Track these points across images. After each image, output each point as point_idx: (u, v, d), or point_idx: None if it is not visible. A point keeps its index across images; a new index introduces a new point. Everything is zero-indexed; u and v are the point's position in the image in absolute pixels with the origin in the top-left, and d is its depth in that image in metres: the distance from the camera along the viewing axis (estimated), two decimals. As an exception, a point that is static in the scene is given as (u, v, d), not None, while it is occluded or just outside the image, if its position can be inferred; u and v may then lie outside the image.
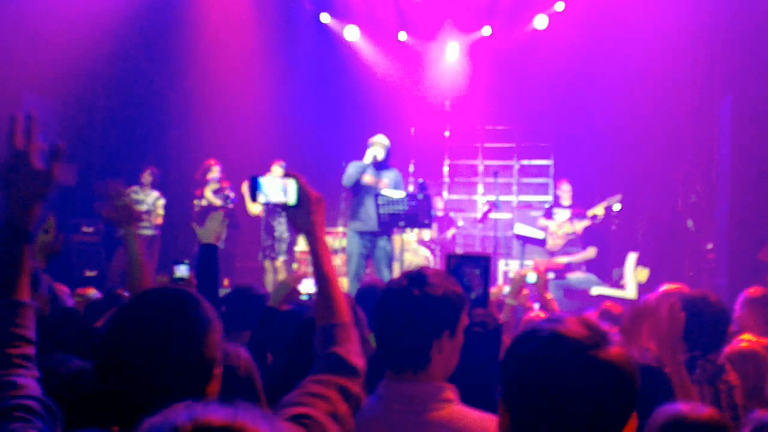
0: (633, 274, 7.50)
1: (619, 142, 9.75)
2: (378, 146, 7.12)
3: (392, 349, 1.87)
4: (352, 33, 11.18)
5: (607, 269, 8.78)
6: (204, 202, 8.94)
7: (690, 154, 9.16)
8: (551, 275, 7.90)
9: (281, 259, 8.88)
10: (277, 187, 1.75)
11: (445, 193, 11.24)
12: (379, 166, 7.16)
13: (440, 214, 9.72)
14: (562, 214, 8.57)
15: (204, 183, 8.93)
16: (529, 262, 8.42)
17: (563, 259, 8.29)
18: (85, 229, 8.85)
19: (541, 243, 8.58)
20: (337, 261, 9.13)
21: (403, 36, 11.18)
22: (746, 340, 3.54)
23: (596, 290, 7.64)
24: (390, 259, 7.25)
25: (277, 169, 8.62)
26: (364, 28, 11.22)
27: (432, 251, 9.26)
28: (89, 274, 8.56)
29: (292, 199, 1.73)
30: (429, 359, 1.84)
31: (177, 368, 1.34)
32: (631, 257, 7.71)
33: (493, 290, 4.06)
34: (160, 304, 1.40)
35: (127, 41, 9.25)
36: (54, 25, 8.11)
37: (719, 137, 7.96)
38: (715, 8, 8.03)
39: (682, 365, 2.30)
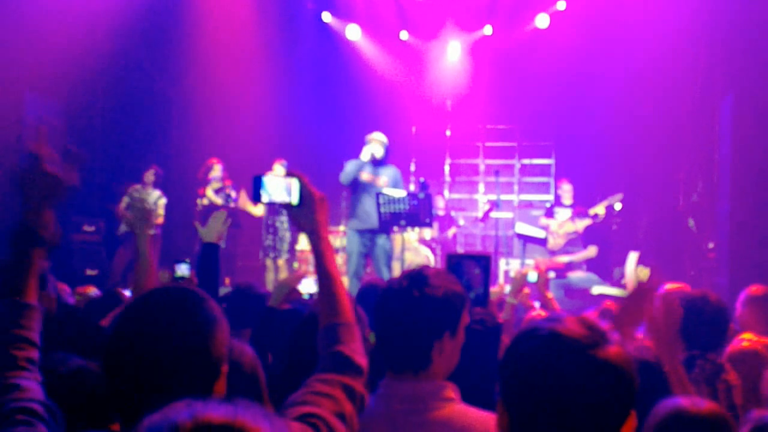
0: (634, 273, 7.50)
1: (620, 141, 9.74)
2: (376, 143, 7.13)
3: (393, 350, 1.86)
4: (353, 32, 11.18)
5: (608, 268, 8.78)
6: (206, 201, 8.95)
7: (691, 154, 9.16)
8: (552, 274, 7.90)
9: (283, 257, 8.89)
10: (280, 186, 1.75)
11: (446, 192, 11.24)
12: (378, 163, 7.17)
13: (441, 213, 9.73)
14: (563, 213, 8.57)
15: (206, 182, 8.94)
16: (530, 261, 8.42)
17: (564, 258, 8.29)
18: (86, 227, 8.86)
19: (542, 242, 8.59)
20: (338, 260, 9.14)
21: (404, 35, 11.18)
22: (747, 339, 3.54)
23: (597, 289, 7.64)
24: (389, 258, 7.26)
25: (278, 168, 8.63)
26: (366, 27, 11.22)
27: (433, 250, 9.26)
28: (90, 272, 8.58)
29: (295, 198, 1.73)
30: (430, 360, 1.84)
31: (185, 367, 1.34)
32: (632, 256, 7.72)
33: (494, 289, 4.06)
34: (166, 304, 1.40)
35: (128, 41, 9.26)
36: (55, 25, 8.11)
37: (720, 136, 7.96)
38: (715, 7, 8.02)
39: (679, 362, 2.30)
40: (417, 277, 1.89)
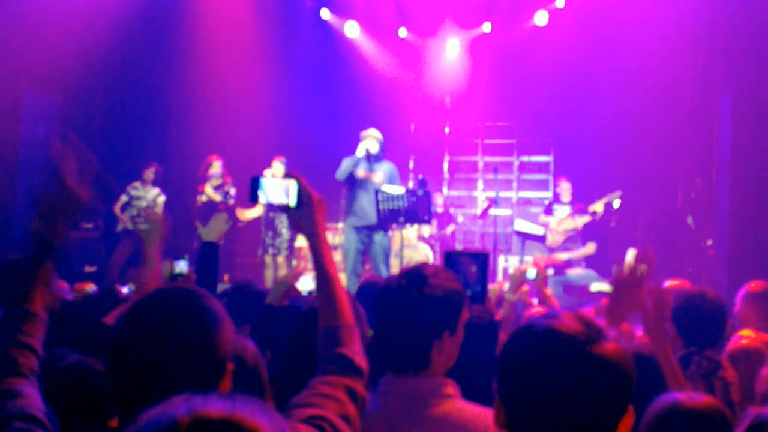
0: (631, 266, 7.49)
1: (619, 138, 9.74)
2: (370, 139, 7.13)
3: (392, 350, 1.86)
4: (352, 29, 11.17)
5: (606, 265, 8.78)
6: (204, 198, 8.95)
7: (690, 151, 9.16)
8: (551, 271, 7.91)
9: (282, 255, 8.89)
10: (279, 187, 1.74)
11: (444, 190, 11.24)
12: (373, 159, 7.17)
13: (440, 210, 9.73)
14: (562, 211, 8.58)
15: (205, 179, 8.94)
16: (528, 258, 8.43)
17: (563, 255, 8.30)
18: (84, 224, 8.85)
19: (541, 239, 8.59)
20: (337, 257, 9.15)
21: (403, 32, 11.16)
22: (746, 336, 3.54)
23: (596, 286, 7.64)
24: (387, 255, 7.26)
25: (277, 165, 8.62)
26: (364, 25, 11.21)
27: (432, 247, 9.27)
28: (88, 269, 8.58)
29: (293, 200, 1.72)
30: (430, 360, 1.84)
31: (190, 365, 1.34)
32: (631, 253, 7.71)
33: (494, 287, 4.07)
34: (171, 303, 1.41)
35: (127, 37, 9.24)
36: (54, 21, 8.10)
37: (719, 134, 7.97)
38: (715, 5, 8.02)
39: (672, 355, 2.29)
40: (416, 276, 1.88)
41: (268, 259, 8.89)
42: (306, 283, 5.24)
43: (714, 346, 3.06)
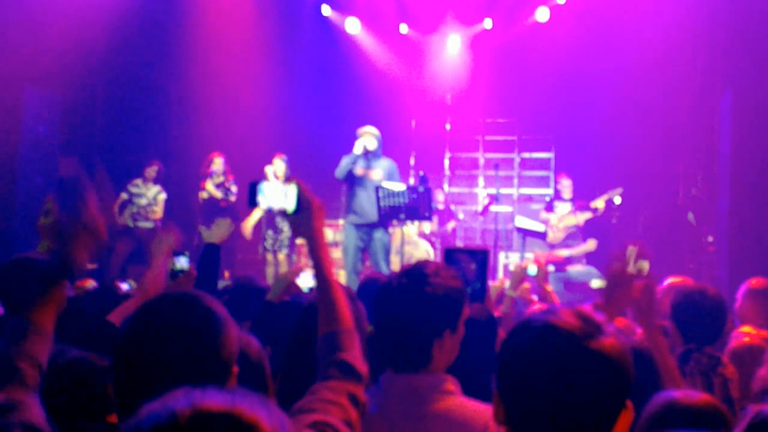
0: (633, 267, 7.49)
1: (620, 135, 9.73)
2: (368, 136, 7.13)
3: (393, 349, 1.86)
4: (353, 25, 11.16)
5: (607, 262, 8.77)
6: (205, 195, 8.96)
7: (691, 148, 9.16)
8: (551, 268, 7.91)
9: (283, 252, 8.89)
10: (278, 192, 1.75)
11: (445, 186, 11.24)
12: (372, 155, 7.17)
13: (441, 206, 9.72)
14: (562, 207, 8.57)
15: (206, 175, 8.95)
16: (529, 255, 8.42)
17: (564, 252, 8.29)
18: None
19: (542, 236, 8.59)
20: (337, 254, 9.15)
21: (404, 28, 11.15)
22: (746, 332, 3.54)
23: (596, 283, 7.64)
24: (387, 252, 7.26)
25: (278, 162, 8.62)
26: (365, 21, 11.20)
27: (432, 244, 9.26)
28: (89, 266, 8.57)
29: (292, 205, 1.72)
30: (430, 358, 1.84)
31: (195, 368, 1.36)
32: (632, 250, 7.71)
33: (495, 284, 4.07)
34: (176, 307, 1.43)
35: (127, 35, 9.24)
36: (55, 19, 8.10)
37: (720, 130, 7.96)
38: (715, 3, 8.01)
39: (664, 347, 2.28)
40: (417, 274, 1.88)
41: (269, 256, 8.89)
42: (306, 280, 5.24)
43: (713, 343, 3.06)
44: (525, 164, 11.25)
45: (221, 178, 8.93)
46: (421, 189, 6.82)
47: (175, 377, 1.33)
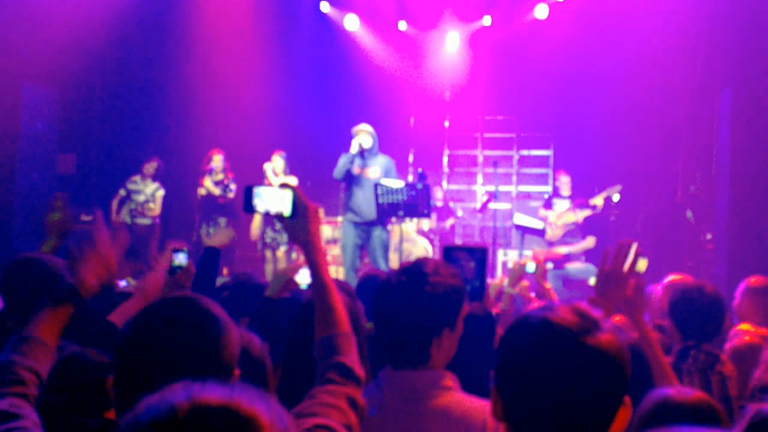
0: (629, 264, 7.48)
1: (618, 132, 9.73)
2: (363, 134, 7.13)
3: (392, 347, 1.86)
4: (351, 22, 11.14)
5: (601, 257, 8.78)
6: (204, 191, 8.95)
7: (690, 145, 9.16)
8: (550, 265, 7.91)
9: (282, 249, 8.89)
10: (274, 197, 1.75)
11: (444, 183, 11.24)
12: (369, 153, 7.17)
13: (439, 204, 9.72)
14: (561, 205, 8.57)
15: (205, 172, 8.94)
16: (528, 252, 8.43)
17: (562, 249, 8.30)
18: (83, 217, 8.85)
19: (541, 233, 8.59)
20: (335, 251, 9.14)
21: (403, 25, 11.14)
22: (744, 330, 3.54)
23: (595, 280, 7.64)
24: (386, 249, 7.26)
25: (277, 159, 8.62)
26: (364, 18, 11.19)
27: (431, 241, 9.26)
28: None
29: (288, 210, 1.72)
30: (429, 356, 1.84)
31: (197, 372, 1.34)
32: (631, 248, 7.71)
33: (495, 282, 4.07)
34: (177, 311, 1.44)
35: (126, 31, 9.23)
36: (53, 15, 8.09)
37: (719, 128, 7.96)
38: (715, 1, 8.01)
39: (656, 344, 2.28)
40: (416, 272, 1.88)
41: (267, 252, 8.89)
42: (305, 276, 5.24)
43: (711, 340, 3.05)
44: (524, 161, 11.25)
45: (220, 176, 8.92)
46: (419, 186, 6.82)
47: (176, 380, 1.33)
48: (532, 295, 4.19)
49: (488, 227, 10.40)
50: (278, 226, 8.84)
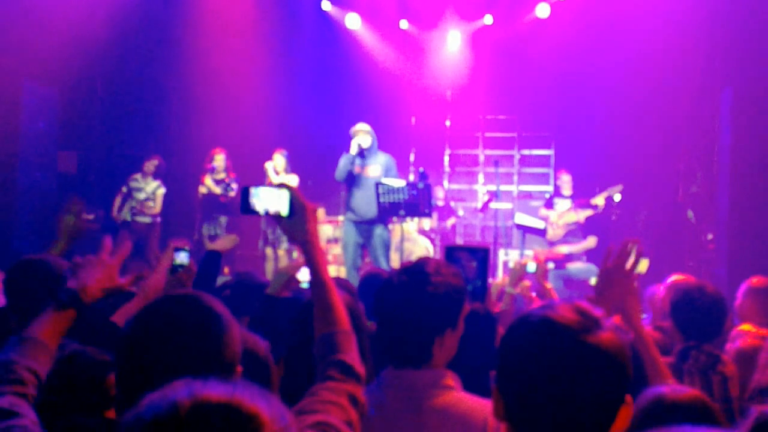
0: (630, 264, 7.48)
1: (620, 132, 9.73)
2: (361, 134, 7.14)
3: (394, 347, 1.87)
4: (353, 21, 11.14)
5: (603, 257, 8.77)
6: (204, 190, 8.95)
7: (690, 145, 9.16)
8: (551, 265, 7.91)
9: (283, 247, 8.89)
10: (271, 197, 1.74)
11: (445, 183, 11.23)
12: (369, 152, 7.17)
13: (440, 203, 9.72)
14: (562, 204, 8.57)
15: (206, 171, 8.94)
16: (529, 252, 8.42)
17: (564, 249, 8.29)
18: (84, 216, 8.84)
19: (542, 233, 8.58)
20: (336, 250, 9.14)
21: (404, 24, 11.14)
22: (746, 331, 3.54)
23: (596, 280, 7.64)
24: (387, 248, 7.26)
25: (278, 158, 8.62)
26: (366, 16, 11.18)
27: (432, 241, 9.26)
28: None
29: (285, 209, 1.72)
30: (431, 355, 1.85)
31: (199, 370, 1.34)
32: (632, 247, 7.70)
33: (497, 281, 4.06)
34: (179, 309, 1.43)
35: (126, 29, 9.23)
36: (54, 14, 8.08)
37: (720, 128, 7.96)
38: (716, 1, 8.01)
39: (650, 343, 2.27)
40: (417, 273, 1.88)
41: (268, 251, 8.89)
42: (306, 275, 5.26)
43: (713, 341, 3.05)
44: (525, 161, 11.24)
45: (222, 175, 8.92)
46: (420, 185, 6.81)
47: (177, 377, 1.33)
48: (534, 294, 4.19)
49: (489, 227, 10.40)
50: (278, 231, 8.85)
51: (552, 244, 8.46)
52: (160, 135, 10.05)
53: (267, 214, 1.75)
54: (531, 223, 8.61)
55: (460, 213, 10.09)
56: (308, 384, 1.61)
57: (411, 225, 8.97)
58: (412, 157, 11.34)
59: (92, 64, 9.08)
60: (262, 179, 8.56)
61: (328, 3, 11.17)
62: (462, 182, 11.47)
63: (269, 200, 1.74)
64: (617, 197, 8.26)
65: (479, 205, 9.90)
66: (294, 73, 10.77)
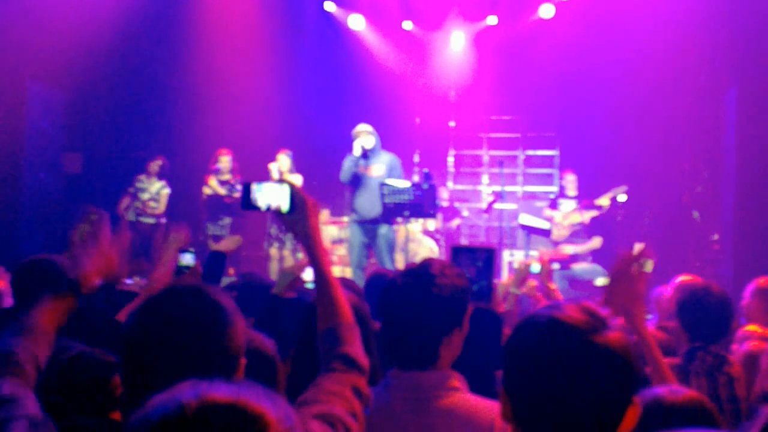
0: (637, 266, 7.46)
1: (624, 132, 9.71)
2: (363, 135, 7.16)
3: (400, 349, 1.87)
4: (356, 22, 11.14)
5: (612, 260, 8.76)
6: (209, 191, 8.96)
7: (696, 145, 9.13)
8: (556, 266, 7.90)
9: (288, 247, 8.89)
10: (272, 193, 1.75)
11: (450, 183, 11.23)
12: (372, 152, 7.18)
13: (445, 204, 9.72)
14: (567, 205, 8.55)
15: (211, 171, 8.95)
16: (534, 253, 8.41)
17: (569, 249, 8.27)
18: (91, 216, 8.86)
19: (546, 233, 8.56)
20: (342, 251, 9.15)
21: (408, 25, 11.13)
22: (752, 331, 3.52)
23: (601, 281, 7.62)
24: (391, 248, 7.27)
25: (283, 158, 8.62)
26: (369, 17, 11.18)
27: (437, 241, 9.26)
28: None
29: (286, 205, 1.73)
30: (438, 356, 1.85)
31: (203, 360, 1.35)
32: (637, 248, 7.69)
33: (503, 282, 4.05)
34: (183, 299, 1.42)
35: (131, 30, 9.25)
36: (59, 14, 8.10)
37: (725, 128, 7.94)
38: (721, 1, 7.99)
39: (653, 344, 2.26)
40: (422, 274, 1.88)
41: (273, 251, 8.89)
42: (311, 274, 5.26)
43: (719, 342, 3.04)
44: (529, 161, 11.23)
45: (227, 176, 8.93)
46: (425, 186, 6.81)
47: (182, 369, 1.32)
48: (540, 295, 4.18)
49: (494, 227, 10.38)
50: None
51: (557, 244, 8.44)
52: (166, 136, 10.06)
53: (268, 209, 1.75)
54: (535, 224, 8.59)
55: (465, 214, 10.08)
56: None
57: (415, 226, 8.97)
58: (416, 158, 11.34)
59: (97, 65, 9.10)
60: (266, 180, 8.56)
61: (332, 4, 11.17)
62: (466, 183, 11.46)
63: (270, 195, 1.75)
64: (622, 198, 8.24)
65: (484, 205, 9.89)
66: (298, 73, 10.78)
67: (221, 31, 10.02)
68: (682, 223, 9.00)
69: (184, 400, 0.82)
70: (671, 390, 1.89)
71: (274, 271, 8.65)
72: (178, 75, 10.13)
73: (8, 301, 3.05)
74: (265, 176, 8.63)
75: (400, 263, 7.73)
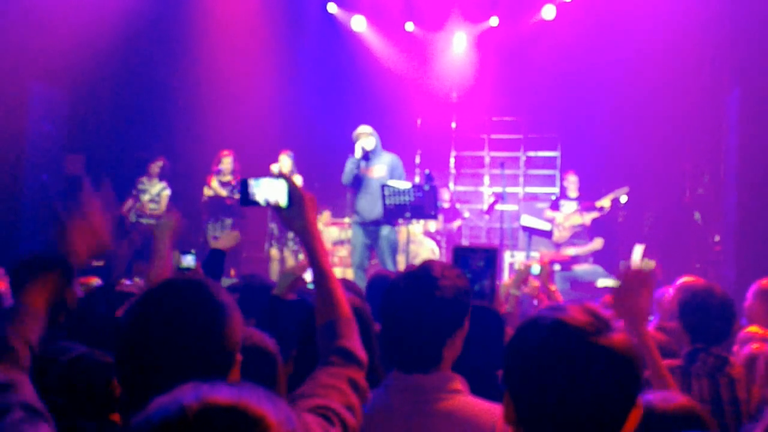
0: (640, 265, 7.46)
1: (626, 133, 9.71)
2: (364, 137, 7.17)
3: (402, 350, 1.86)
4: (359, 23, 11.15)
5: (613, 261, 8.76)
6: (210, 192, 8.95)
7: (697, 146, 9.13)
8: (558, 267, 7.90)
9: (289, 248, 8.89)
10: (269, 189, 1.76)
11: (451, 185, 11.22)
12: (373, 153, 7.19)
13: (446, 205, 9.71)
14: (568, 206, 8.54)
15: (213, 172, 8.95)
16: (535, 254, 8.40)
17: (570, 251, 8.27)
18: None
19: (548, 235, 8.56)
20: (343, 252, 9.14)
21: (410, 26, 11.14)
22: (753, 332, 3.52)
23: (602, 282, 7.62)
24: (394, 249, 7.27)
25: (284, 159, 8.62)
26: (371, 19, 11.18)
27: (438, 242, 9.26)
28: (96, 263, 8.59)
29: (283, 200, 1.73)
30: (441, 359, 1.84)
31: (199, 355, 1.34)
32: (638, 249, 7.69)
33: (504, 283, 4.05)
34: (179, 293, 1.41)
35: (133, 32, 9.25)
36: (61, 15, 8.11)
37: (727, 129, 7.93)
38: (723, 2, 7.98)
39: (653, 348, 2.25)
40: (424, 276, 1.88)
41: (274, 252, 8.89)
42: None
43: (720, 343, 3.03)
44: (531, 163, 11.23)
45: (229, 177, 8.92)
46: (426, 187, 6.81)
47: (178, 364, 1.32)
48: (543, 295, 4.17)
49: (495, 229, 10.37)
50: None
51: (558, 245, 8.44)
52: (167, 137, 10.06)
53: (267, 204, 1.75)
54: (537, 225, 8.59)
55: (466, 215, 10.08)
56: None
57: (417, 227, 8.96)
58: (417, 159, 11.33)
59: (99, 66, 9.10)
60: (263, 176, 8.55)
61: (334, 5, 11.18)
62: (468, 184, 11.46)
63: (268, 191, 1.76)
64: (624, 199, 8.24)
65: (485, 206, 9.88)
66: (300, 75, 10.78)
67: (223, 32, 10.03)
68: (684, 225, 8.99)
69: (185, 402, 0.82)
70: (663, 397, 1.88)
71: (275, 272, 8.65)
72: (179, 76, 10.14)
73: (9, 303, 3.04)
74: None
75: (401, 264, 7.73)
